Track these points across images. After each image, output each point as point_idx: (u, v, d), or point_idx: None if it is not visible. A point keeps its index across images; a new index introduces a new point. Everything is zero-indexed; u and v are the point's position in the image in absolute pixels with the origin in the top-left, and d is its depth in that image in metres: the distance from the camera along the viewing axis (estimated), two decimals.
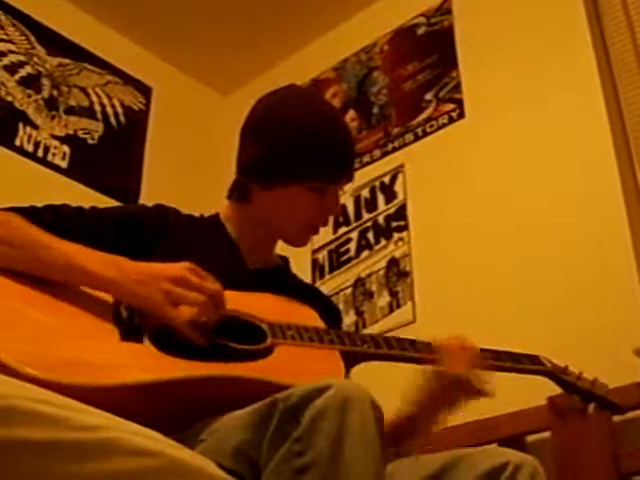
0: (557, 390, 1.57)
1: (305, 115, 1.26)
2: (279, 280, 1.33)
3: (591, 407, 1.34)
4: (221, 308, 1.09)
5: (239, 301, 1.17)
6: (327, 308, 1.37)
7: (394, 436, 1.21)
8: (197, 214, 1.39)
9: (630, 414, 1.63)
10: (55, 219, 1.18)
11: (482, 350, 1.25)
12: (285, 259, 1.43)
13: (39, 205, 1.22)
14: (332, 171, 1.27)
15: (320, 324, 1.22)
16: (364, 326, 2.24)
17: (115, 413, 0.90)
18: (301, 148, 1.24)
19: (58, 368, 0.96)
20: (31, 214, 1.17)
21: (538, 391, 1.65)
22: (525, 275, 2.00)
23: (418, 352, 1.21)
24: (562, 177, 2.05)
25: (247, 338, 1.12)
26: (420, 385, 1.21)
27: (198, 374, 1.02)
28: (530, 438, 1.74)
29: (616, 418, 1.60)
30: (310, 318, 1.23)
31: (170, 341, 1.06)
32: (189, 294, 1.06)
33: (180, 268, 1.09)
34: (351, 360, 1.20)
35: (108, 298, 1.11)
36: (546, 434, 1.66)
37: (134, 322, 1.08)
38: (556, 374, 1.33)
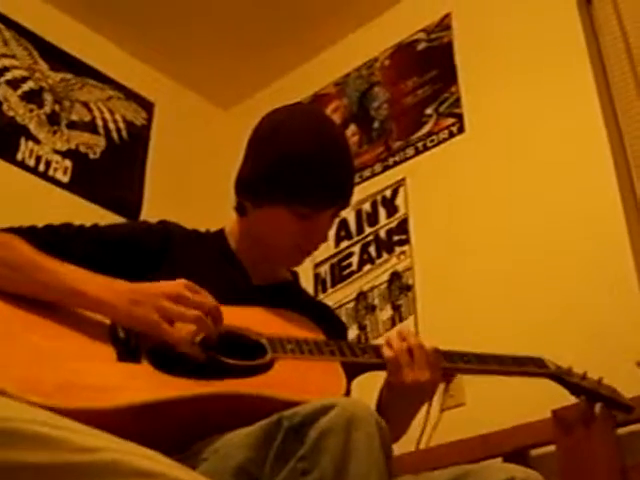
0: (561, 403, 1.58)
1: (298, 140, 1.23)
2: (284, 295, 1.32)
3: (598, 407, 1.33)
4: (219, 323, 1.09)
5: (238, 316, 1.16)
6: (333, 323, 1.36)
7: None
8: (202, 229, 1.38)
9: (634, 426, 1.62)
10: (55, 240, 1.18)
11: (438, 351, 1.22)
12: (295, 274, 1.42)
13: (39, 225, 1.22)
14: (317, 199, 1.22)
15: (320, 336, 1.21)
16: (367, 340, 2.24)
17: (115, 434, 0.90)
18: (287, 172, 1.21)
19: (56, 393, 0.96)
20: (31, 235, 1.17)
21: (542, 404, 1.65)
22: (527, 288, 2.00)
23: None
24: (562, 190, 2.05)
25: (247, 353, 1.11)
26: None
27: (197, 392, 1.01)
28: (534, 452, 1.73)
29: (621, 430, 1.59)
30: (310, 330, 1.22)
31: (168, 360, 1.06)
32: (185, 311, 1.06)
33: (175, 285, 1.09)
34: (353, 371, 1.20)
35: (106, 319, 1.11)
36: (551, 447, 1.65)
37: (131, 342, 1.08)
38: (561, 376, 1.32)
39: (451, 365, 1.23)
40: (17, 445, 0.80)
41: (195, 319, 1.06)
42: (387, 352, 1.16)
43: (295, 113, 1.30)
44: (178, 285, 1.09)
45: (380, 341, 1.21)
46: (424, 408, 1.92)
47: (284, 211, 1.23)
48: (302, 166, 1.20)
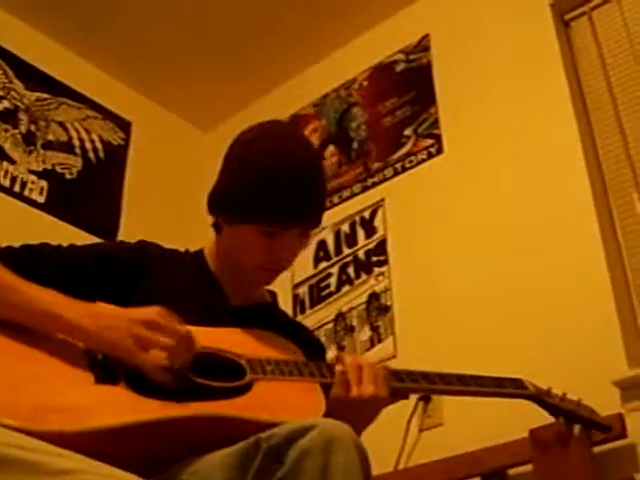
0: (538, 422, 1.58)
1: (265, 157, 1.22)
2: (263, 316, 1.32)
3: (577, 429, 1.33)
4: (192, 350, 1.09)
5: (217, 337, 1.16)
6: (311, 344, 1.36)
7: None
8: (181, 249, 1.38)
9: (610, 444, 1.63)
10: (32, 260, 1.17)
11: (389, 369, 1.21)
12: (273, 294, 1.42)
13: (16, 245, 1.20)
14: (282, 217, 1.21)
15: (300, 357, 1.21)
16: None
17: (91, 456, 0.88)
18: (252, 189, 1.20)
19: (32, 415, 0.95)
20: (7, 255, 1.15)
21: (519, 424, 1.65)
22: (505, 309, 2.01)
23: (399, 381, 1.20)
24: (540, 211, 2.07)
25: (226, 375, 1.10)
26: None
27: (174, 415, 1.00)
28: (512, 471, 1.74)
29: (597, 449, 1.60)
30: (290, 352, 1.21)
31: (146, 382, 1.05)
32: (159, 338, 1.06)
33: (150, 312, 1.08)
34: None
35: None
36: (528, 467, 1.66)
37: (109, 365, 1.07)
38: (540, 397, 1.32)
39: (435, 387, 1.23)
40: None
41: (167, 347, 1.06)
42: (337, 366, 1.16)
43: (265, 131, 1.29)
44: (152, 312, 1.08)
45: None
46: (402, 428, 1.93)
47: (251, 229, 1.22)
48: (267, 183, 1.20)
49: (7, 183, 2.41)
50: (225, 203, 1.25)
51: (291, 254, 1.26)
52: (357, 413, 1.16)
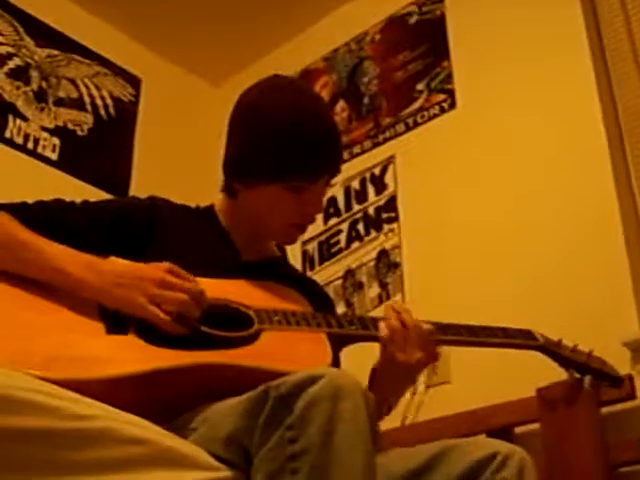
0: (546, 381, 1.59)
1: (281, 112, 1.22)
2: (273, 271, 1.33)
3: (587, 380, 1.34)
4: (202, 305, 1.10)
5: (226, 289, 1.17)
6: (320, 297, 1.37)
7: None
8: (192, 205, 1.39)
9: (619, 406, 1.63)
10: (45, 216, 1.18)
11: (437, 325, 1.22)
12: (282, 250, 1.43)
13: (30, 201, 1.22)
14: (308, 170, 1.22)
15: (308, 308, 1.22)
16: None
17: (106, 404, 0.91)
18: (275, 147, 1.20)
19: (45, 364, 0.97)
20: (21, 211, 1.17)
21: (527, 383, 1.66)
22: (516, 264, 2.01)
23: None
24: (555, 165, 2.05)
25: (235, 325, 1.12)
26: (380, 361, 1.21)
27: (184, 363, 1.03)
28: (519, 429, 1.74)
29: (605, 410, 1.61)
30: (298, 303, 1.23)
31: (156, 332, 1.07)
32: (170, 294, 1.08)
33: (159, 269, 1.10)
34: (339, 342, 1.21)
35: None
36: (535, 425, 1.66)
37: (120, 315, 1.09)
38: (549, 348, 1.32)
39: (440, 338, 1.24)
40: (13, 411, 0.82)
41: (179, 303, 1.08)
42: (383, 331, 1.16)
43: (270, 87, 1.28)
44: (162, 269, 1.10)
45: None
46: None
47: (277, 188, 1.22)
48: (289, 138, 1.20)
49: (20, 140, 2.42)
50: (246, 167, 1.24)
51: (318, 207, 1.28)
52: (403, 375, 1.19)
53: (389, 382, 1.20)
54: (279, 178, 1.21)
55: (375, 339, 1.18)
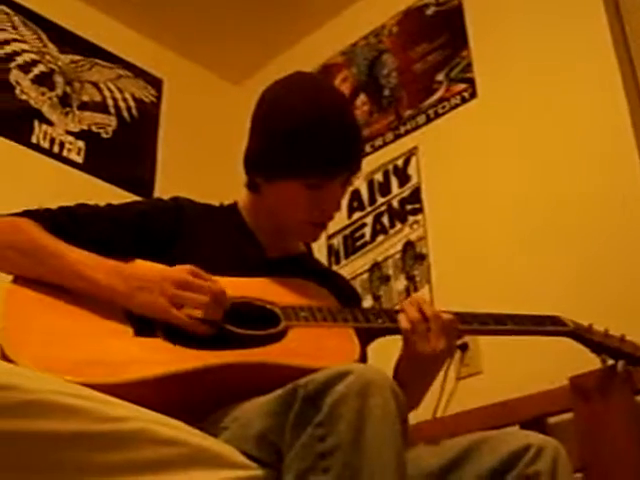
0: (578, 370, 1.57)
1: (302, 108, 1.22)
2: (298, 267, 1.33)
3: (620, 365, 1.31)
4: (224, 305, 1.11)
5: (252, 286, 1.18)
6: (346, 291, 1.37)
7: None
8: (215, 203, 1.39)
9: None
10: (70, 222, 1.19)
11: (458, 314, 1.22)
12: (307, 245, 1.43)
13: (53, 208, 1.23)
14: (327, 166, 1.21)
15: (333, 303, 1.22)
16: None
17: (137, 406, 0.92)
18: (294, 143, 1.20)
19: (75, 369, 0.98)
20: (45, 218, 1.18)
21: (559, 372, 1.64)
22: (544, 253, 1.99)
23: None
24: (579, 153, 2.02)
25: (261, 323, 1.13)
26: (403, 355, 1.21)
27: (213, 363, 1.04)
28: (552, 420, 1.71)
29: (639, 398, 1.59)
30: (324, 298, 1.23)
31: (183, 333, 1.08)
32: (192, 296, 1.09)
33: (181, 271, 1.11)
34: (367, 337, 1.21)
35: None
36: (568, 415, 1.64)
37: (147, 318, 1.10)
38: (580, 333, 1.30)
39: (467, 328, 1.23)
40: (47, 415, 0.83)
41: (202, 305, 1.08)
42: (403, 323, 1.16)
43: (292, 84, 1.29)
44: (184, 271, 1.11)
45: None
46: (440, 377, 1.95)
47: (295, 184, 1.22)
48: (308, 135, 1.20)
49: (46, 145, 2.45)
50: (265, 161, 1.25)
51: (336, 205, 1.27)
52: (429, 366, 1.18)
53: (414, 375, 1.20)
54: (298, 174, 1.22)
55: (399, 332, 1.18)
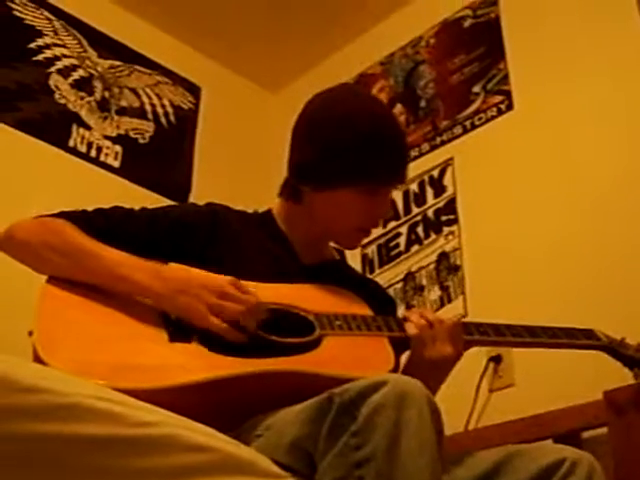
0: (613, 384, 1.55)
1: (356, 117, 1.24)
2: (332, 274, 1.33)
3: None
4: (260, 316, 1.12)
5: (287, 293, 1.18)
6: (381, 298, 1.37)
7: None
8: (250, 210, 1.40)
9: None
10: (105, 224, 1.20)
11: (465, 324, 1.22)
12: (341, 252, 1.43)
13: (90, 209, 1.24)
14: (384, 173, 1.25)
15: (368, 312, 1.22)
16: None
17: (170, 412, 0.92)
18: (352, 151, 1.22)
19: (110, 374, 0.98)
20: (82, 219, 1.19)
21: (594, 386, 1.62)
22: (578, 266, 1.96)
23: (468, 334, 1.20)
24: (613, 167, 2.00)
25: (296, 331, 1.13)
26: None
27: (248, 371, 1.04)
28: (586, 434, 1.70)
29: None
30: (358, 306, 1.23)
31: (219, 340, 1.08)
32: (229, 305, 1.09)
33: (221, 280, 1.12)
34: (401, 346, 1.20)
35: None
36: (603, 430, 1.62)
37: (182, 323, 1.10)
38: (613, 347, 1.29)
39: (501, 339, 1.22)
40: (78, 419, 0.83)
41: (238, 315, 1.09)
42: (411, 330, 1.17)
43: (340, 94, 1.31)
44: (224, 281, 1.12)
45: None
46: (473, 389, 1.93)
47: (349, 191, 1.24)
48: (367, 144, 1.22)
49: (84, 149, 2.48)
50: (319, 171, 1.25)
51: (386, 211, 1.33)
52: (435, 372, 1.18)
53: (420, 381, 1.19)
54: (355, 182, 1.24)
55: None
